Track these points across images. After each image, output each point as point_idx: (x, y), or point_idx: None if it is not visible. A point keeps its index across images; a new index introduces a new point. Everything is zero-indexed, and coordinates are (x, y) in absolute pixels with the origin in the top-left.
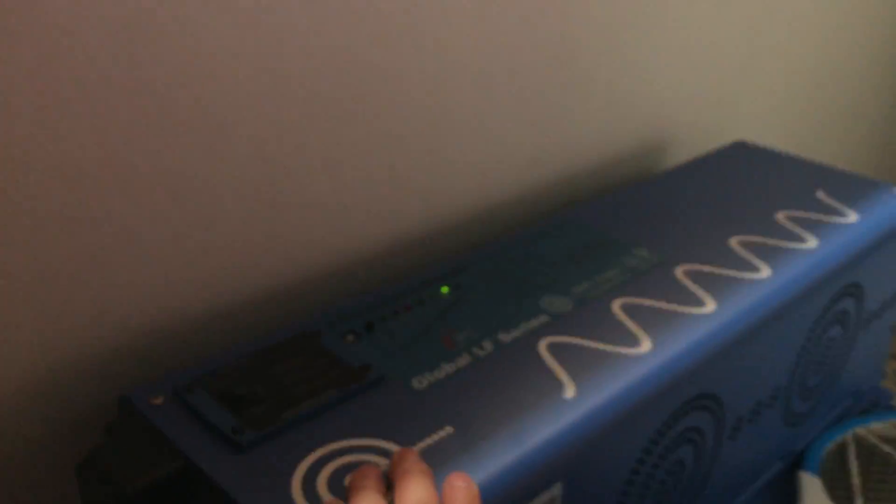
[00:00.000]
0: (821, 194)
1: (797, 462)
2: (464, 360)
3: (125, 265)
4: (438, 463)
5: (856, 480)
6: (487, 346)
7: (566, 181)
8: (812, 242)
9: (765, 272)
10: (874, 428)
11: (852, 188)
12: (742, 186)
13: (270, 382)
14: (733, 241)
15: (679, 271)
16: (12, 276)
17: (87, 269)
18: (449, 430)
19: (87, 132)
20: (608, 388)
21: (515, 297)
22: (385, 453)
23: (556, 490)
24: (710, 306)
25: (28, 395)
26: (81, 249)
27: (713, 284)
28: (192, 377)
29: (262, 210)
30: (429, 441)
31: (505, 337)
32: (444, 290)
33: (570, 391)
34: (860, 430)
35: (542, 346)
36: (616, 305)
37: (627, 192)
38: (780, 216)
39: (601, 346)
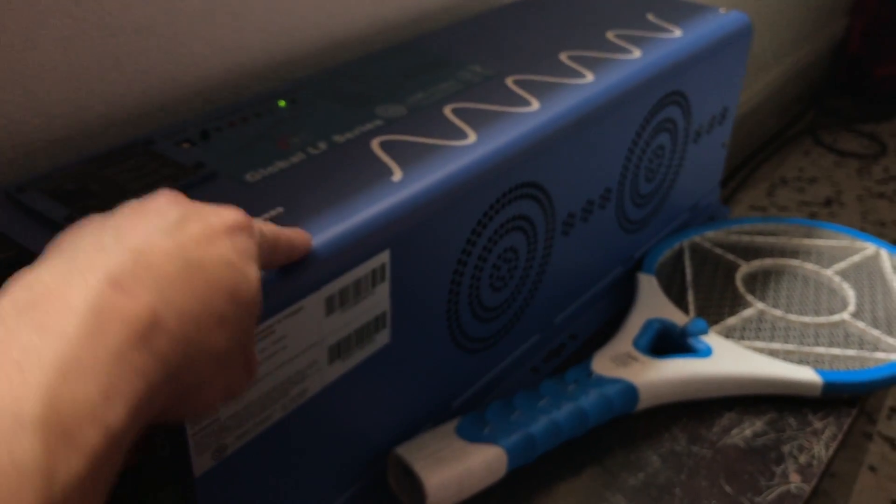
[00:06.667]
0: (650, 16)
1: (638, 267)
2: (297, 158)
3: None
4: None
5: (689, 277)
6: (322, 145)
7: (411, 22)
8: (637, 53)
9: (589, 77)
10: (708, 235)
11: (681, 11)
12: (578, 13)
13: (102, 181)
14: (563, 56)
15: (509, 81)
16: None
17: None
18: (279, 210)
19: None
20: (434, 173)
21: (351, 107)
22: None
23: (385, 256)
24: (534, 105)
25: None
26: None
27: (539, 89)
28: (23, 182)
29: (91, 31)
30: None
31: (339, 138)
32: (281, 103)
33: (397, 175)
34: (696, 237)
35: (375, 143)
36: (447, 110)
37: (465, 23)
38: (610, 35)
39: (430, 140)
